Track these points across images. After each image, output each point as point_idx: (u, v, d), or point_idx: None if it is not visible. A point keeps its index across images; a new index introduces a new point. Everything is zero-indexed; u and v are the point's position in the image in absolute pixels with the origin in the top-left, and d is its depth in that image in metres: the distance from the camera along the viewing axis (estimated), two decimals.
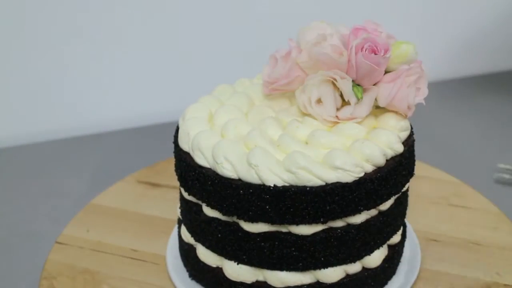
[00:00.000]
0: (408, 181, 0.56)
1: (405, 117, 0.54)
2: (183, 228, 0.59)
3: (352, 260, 0.54)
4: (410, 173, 0.56)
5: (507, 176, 0.78)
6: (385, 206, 0.53)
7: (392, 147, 0.51)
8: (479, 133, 0.94)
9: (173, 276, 0.60)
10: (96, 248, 0.65)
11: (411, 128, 0.56)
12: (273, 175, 0.48)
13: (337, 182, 0.48)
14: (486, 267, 0.61)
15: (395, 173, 0.52)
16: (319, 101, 0.53)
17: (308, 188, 0.47)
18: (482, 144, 0.90)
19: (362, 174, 0.49)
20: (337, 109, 0.53)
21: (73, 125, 0.98)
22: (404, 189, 0.56)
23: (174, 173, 0.57)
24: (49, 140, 0.95)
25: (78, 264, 0.63)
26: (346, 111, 0.53)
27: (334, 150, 0.49)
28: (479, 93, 1.07)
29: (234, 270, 0.54)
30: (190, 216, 0.57)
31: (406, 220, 0.62)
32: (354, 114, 0.53)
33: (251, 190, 0.48)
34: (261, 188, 0.48)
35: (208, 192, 0.51)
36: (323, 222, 0.50)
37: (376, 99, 0.53)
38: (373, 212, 0.52)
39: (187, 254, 0.59)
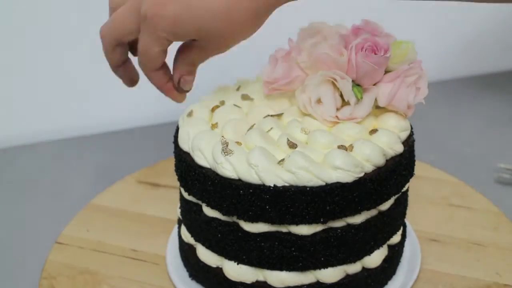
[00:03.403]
0: (408, 181, 0.56)
1: (405, 117, 0.54)
2: (183, 228, 0.59)
3: (352, 260, 0.54)
4: (410, 173, 0.55)
5: (507, 176, 0.78)
6: (385, 206, 0.53)
7: (392, 147, 0.51)
8: (479, 133, 0.94)
9: (173, 276, 0.60)
10: (96, 248, 0.65)
11: (411, 128, 0.56)
12: (273, 175, 0.48)
13: (337, 182, 0.48)
14: (486, 267, 0.61)
15: (395, 173, 0.51)
16: (319, 101, 0.53)
17: (308, 188, 0.47)
18: (482, 144, 0.90)
19: (362, 174, 0.49)
20: (337, 109, 0.53)
21: (73, 125, 0.98)
22: (404, 189, 0.56)
23: (174, 173, 0.57)
24: (49, 140, 0.95)
25: (78, 264, 0.63)
26: (346, 111, 0.53)
27: (334, 150, 0.49)
28: (479, 93, 1.07)
29: (234, 270, 0.54)
30: (190, 216, 0.57)
31: (406, 220, 0.62)
32: (354, 114, 0.53)
33: (251, 190, 0.48)
34: (261, 188, 0.48)
35: (208, 192, 0.51)
36: (323, 222, 0.50)
37: (376, 99, 0.53)
38: (373, 212, 0.52)
39: (187, 254, 0.59)
